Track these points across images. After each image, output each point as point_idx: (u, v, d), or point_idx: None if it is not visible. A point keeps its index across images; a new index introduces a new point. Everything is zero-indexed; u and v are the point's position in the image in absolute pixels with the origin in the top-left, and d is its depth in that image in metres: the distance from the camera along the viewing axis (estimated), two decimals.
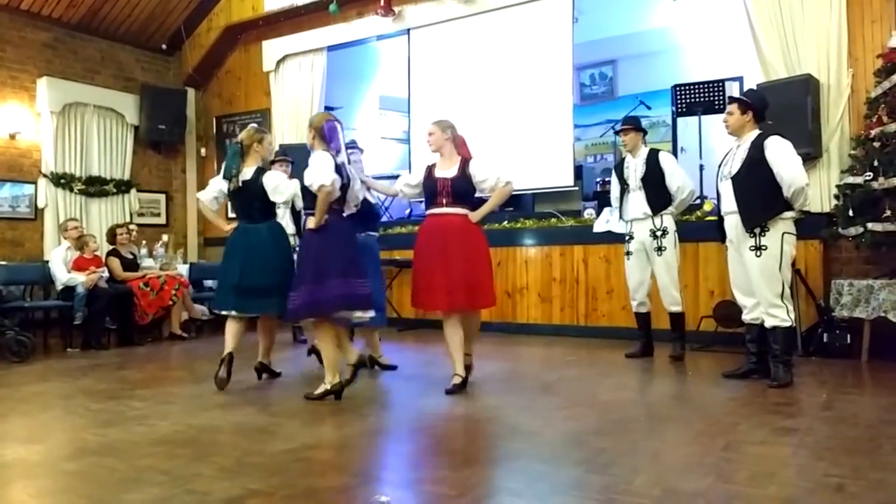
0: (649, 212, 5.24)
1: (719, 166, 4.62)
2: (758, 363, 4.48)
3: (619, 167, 5.54)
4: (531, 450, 3.03)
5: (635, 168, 5.33)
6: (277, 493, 2.48)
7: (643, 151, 5.35)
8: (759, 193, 4.28)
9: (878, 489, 2.44)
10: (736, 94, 6.92)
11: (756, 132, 4.38)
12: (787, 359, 4.31)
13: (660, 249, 5.21)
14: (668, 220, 5.24)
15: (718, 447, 3.01)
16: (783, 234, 4.26)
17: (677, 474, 2.64)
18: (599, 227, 6.70)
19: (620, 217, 5.59)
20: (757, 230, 4.27)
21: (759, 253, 4.27)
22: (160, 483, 2.61)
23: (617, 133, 5.77)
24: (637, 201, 5.32)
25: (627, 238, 5.43)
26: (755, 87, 4.74)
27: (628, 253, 5.40)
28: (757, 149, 4.29)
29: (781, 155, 4.25)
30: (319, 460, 2.95)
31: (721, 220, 4.59)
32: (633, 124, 5.45)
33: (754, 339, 4.49)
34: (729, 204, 4.43)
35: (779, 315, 4.28)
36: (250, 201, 4.48)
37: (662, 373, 4.93)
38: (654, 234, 5.23)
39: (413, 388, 4.53)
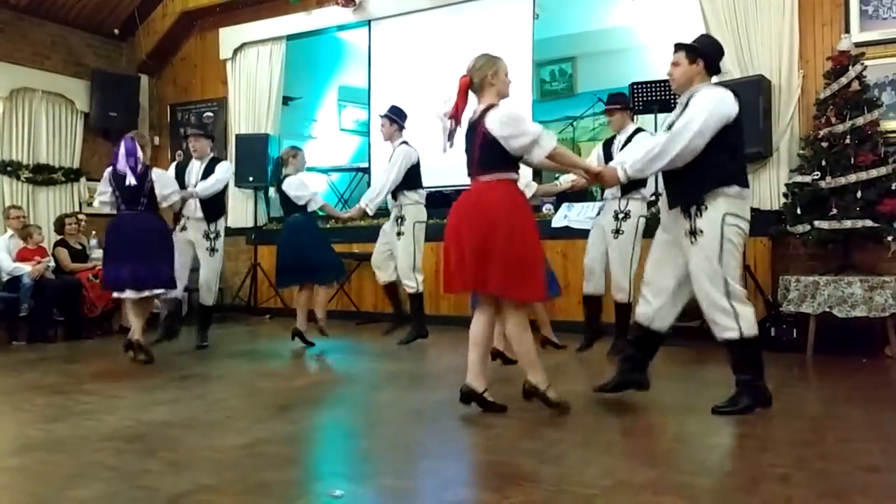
0: (618, 193, 5.05)
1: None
2: (633, 372, 3.62)
3: (608, 144, 5.32)
4: (484, 442, 3.05)
5: (618, 146, 5.14)
6: (229, 488, 2.45)
7: (629, 129, 5.18)
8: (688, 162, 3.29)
9: (821, 479, 2.51)
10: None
11: (705, 87, 3.39)
12: (747, 378, 3.30)
13: (616, 232, 5.05)
14: (634, 205, 5.05)
15: (668, 439, 3.07)
16: (724, 215, 3.25)
17: (628, 465, 2.68)
18: (557, 222, 6.75)
19: (602, 196, 5.39)
20: (693, 210, 3.29)
21: (693, 239, 3.28)
22: (107, 479, 2.55)
23: (603, 112, 5.50)
24: None
25: (597, 214, 5.39)
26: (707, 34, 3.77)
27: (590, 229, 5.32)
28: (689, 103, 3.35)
29: (699, 104, 3.24)
30: (272, 455, 2.92)
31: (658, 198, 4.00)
32: (620, 103, 5.24)
33: (635, 340, 3.64)
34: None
35: (722, 322, 3.26)
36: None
37: (615, 366, 4.98)
38: (616, 216, 5.09)
39: (366, 382, 4.52)
